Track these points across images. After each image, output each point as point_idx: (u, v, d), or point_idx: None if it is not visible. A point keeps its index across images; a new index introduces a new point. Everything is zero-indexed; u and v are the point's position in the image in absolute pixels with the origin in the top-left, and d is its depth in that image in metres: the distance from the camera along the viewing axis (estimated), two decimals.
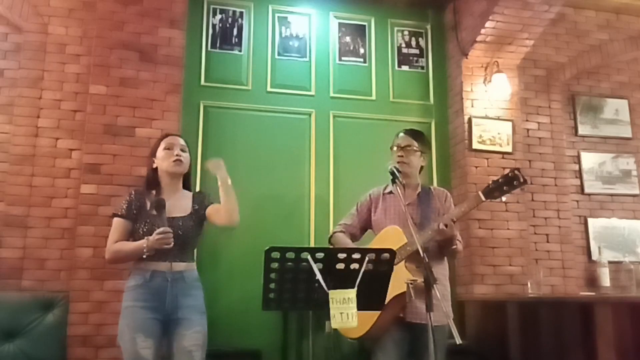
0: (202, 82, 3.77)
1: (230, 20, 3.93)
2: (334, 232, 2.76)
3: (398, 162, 2.59)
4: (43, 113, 3.36)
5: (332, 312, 1.74)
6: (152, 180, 2.49)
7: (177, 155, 2.45)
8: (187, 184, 2.56)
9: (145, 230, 2.33)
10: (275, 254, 1.77)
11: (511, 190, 2.37)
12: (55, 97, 3.39)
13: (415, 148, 2.65)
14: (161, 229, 2.24)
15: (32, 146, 3.30)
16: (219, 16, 3.91)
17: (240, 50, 3.89)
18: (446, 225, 2.34)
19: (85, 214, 3.21)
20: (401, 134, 2.71)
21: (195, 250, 2.54)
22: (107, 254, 2.40)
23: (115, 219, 2.41)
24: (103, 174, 3.28)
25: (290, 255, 1.79)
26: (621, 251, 4.16)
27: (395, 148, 2.67)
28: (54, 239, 3.23)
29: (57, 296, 3.06)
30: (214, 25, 3.89)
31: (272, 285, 1.84)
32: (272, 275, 1.82)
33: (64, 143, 3.35)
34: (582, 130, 4.39)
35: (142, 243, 2.27)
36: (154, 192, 2.44)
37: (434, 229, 2.37)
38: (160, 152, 2.48)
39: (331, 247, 2.67)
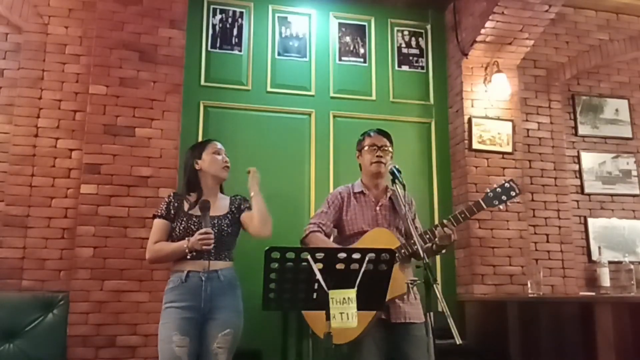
0: (202, 82, 3.77)
1: (230, 20, 3.93)
2: (311, 231, 2.56)
3: (375, 162, 2.55)
4: (43, 113, 3.35)
5: (332, 312, 1.74)
6: (194, 182, 2.55)
7: (226, 161, 2.57)
8: (222, 188, 2.66)
9: (182, 229, 2.39)
10: (275, 254, 1.78)
11: (508, 200, 2.44)
12: (55, 97, 3.39)
13: (389, 148, 2.61)
14: (203, 230, 2.29)
15: (32, 146, 3.30)
16: (219, 16, 3.91)
17: (240, 50, 3.89)
18: (444, 230, 2.36)
19: (85, 214, 3.21)
20: (374, 133, 2.63)
21: (233, 251, 2.54)
22: (147, 254, 2.46)
23: (155, 220, 2.48)
24: (103, 174, 3.28)
25: (290, 255, 1.79)
26: (621, 251, 4.16)
27: (367, 147, 2.60)
28: (54, 239, 3.23)
29: (57, 296, 3.06)
30: (214, 25, 3.89)
31: (272, 285, 1.84)
32: (272, 275, 1.82)
33: (64, 143, 3.35)
34: (582, 130, 4.39)
35: (183, 243, 2.33)
36: (192, 194, 2.50)
37: (441, 234, 2.36)
38: (208, 155, 2.55)
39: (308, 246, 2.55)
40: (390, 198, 2.61)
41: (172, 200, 2.51)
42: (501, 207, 2.44)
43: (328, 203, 2.66)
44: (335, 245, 2.54)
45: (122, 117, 3.37)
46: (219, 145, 2.61)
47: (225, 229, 2.43)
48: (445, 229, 2.35)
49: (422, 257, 2.01)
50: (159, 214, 2.48)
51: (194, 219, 2.40)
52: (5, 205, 3.21)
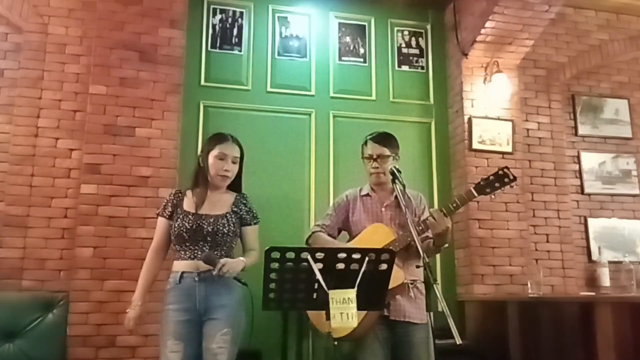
0: (202, 82, 3.76)
1: (230, 20, 3.93)
2: (313, 232, 2.67)
3: (373, 174, 2.58)
4: (43, 113, 3.35)
5: (332, 312, 1.74)
6: (201, 177, 2.49)
7: (225, 170, 2.45)
8: (234, 187, 2.55)
9: (177, 226, 2.38)
10: (275, 254, 1.78)
11: (502, 187, 2.39)
12: (55, 97, 3.39)
13: (387, 154, 2.60)
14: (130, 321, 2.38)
15: (32, 146, 3.30)
16: (219, 16, 3.91)
17: (240, 50, 3.89)
18: (434, 218, 2.33)
19: (85, 214, 3.21)
20: (370, 143, 2.63)
21: (232, 250, 2.49)
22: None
23: (158, 219, 2.50)
24: (103, 174, 3.28)
25: (290, 255, 1.79)
26: (621, 251, 4.16)
27: (365, 159, 2.63)
28: (54, 239, 3.23)
29: (57, 296, 3.05)
30: (214, 25, 3.89)
31: (272, 285, 1.84)
32: (272, 275, 1.82)
33: (64, 143, 3.35)
34: (582, 130, 4.39)
35: (137, 298, 2.40)
36: (197, 189, 2.47)
37: (432, 222, 2.34)
38: (212, 157, 2.45)
39: (312, 246, 2.63)
40: (396, 197, 2.61)
41: (173, 198, 2.49)
42: (493, 195, 2.40)
43: (333, 205, 2.74)
44: (337, 244, 2.58)
45: (122, 117, 3.37)
46: (228, 150, 2.46)
47: (221, 229, 2.37)
48: (436, 215, 2.32)
49: (419, 248, 2.00)
50: (160, 213, 2.49)
51: (190, 216, 2.38)
52: (5, 205, 3.21)
